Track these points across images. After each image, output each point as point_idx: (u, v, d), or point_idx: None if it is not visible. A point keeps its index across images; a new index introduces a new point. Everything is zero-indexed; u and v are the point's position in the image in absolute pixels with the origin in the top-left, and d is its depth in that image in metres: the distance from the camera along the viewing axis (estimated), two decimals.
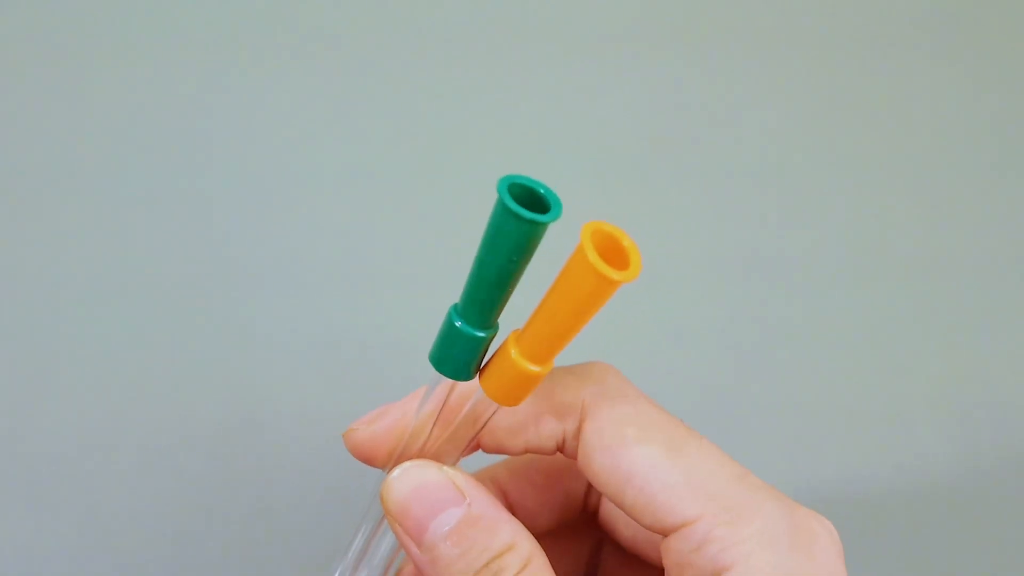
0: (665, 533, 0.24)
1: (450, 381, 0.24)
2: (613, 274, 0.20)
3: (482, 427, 0.26)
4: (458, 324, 0.23)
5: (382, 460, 0.27)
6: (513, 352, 0.23)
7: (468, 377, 0.24)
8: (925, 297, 0.49)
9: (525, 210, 0.20)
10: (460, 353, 0.23)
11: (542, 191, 0.21)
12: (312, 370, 0.43)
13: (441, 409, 0.26)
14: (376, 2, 0.47)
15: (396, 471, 0.25)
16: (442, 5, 0.47)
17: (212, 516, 0.41)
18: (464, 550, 0.24)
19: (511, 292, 0.23)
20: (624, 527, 0.30)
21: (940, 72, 0.52)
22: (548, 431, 0.26)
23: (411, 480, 0.25)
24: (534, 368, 0.23)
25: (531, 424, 0.26)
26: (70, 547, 0.40)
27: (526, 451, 0.27)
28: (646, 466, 0.24)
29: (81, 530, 0.41)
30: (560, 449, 0.26)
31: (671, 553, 0.24)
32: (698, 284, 0.47)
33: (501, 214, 0.21)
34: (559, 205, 0.21)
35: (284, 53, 0.46)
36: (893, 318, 0.49)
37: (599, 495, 0.30)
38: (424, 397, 0.26)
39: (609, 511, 0.30)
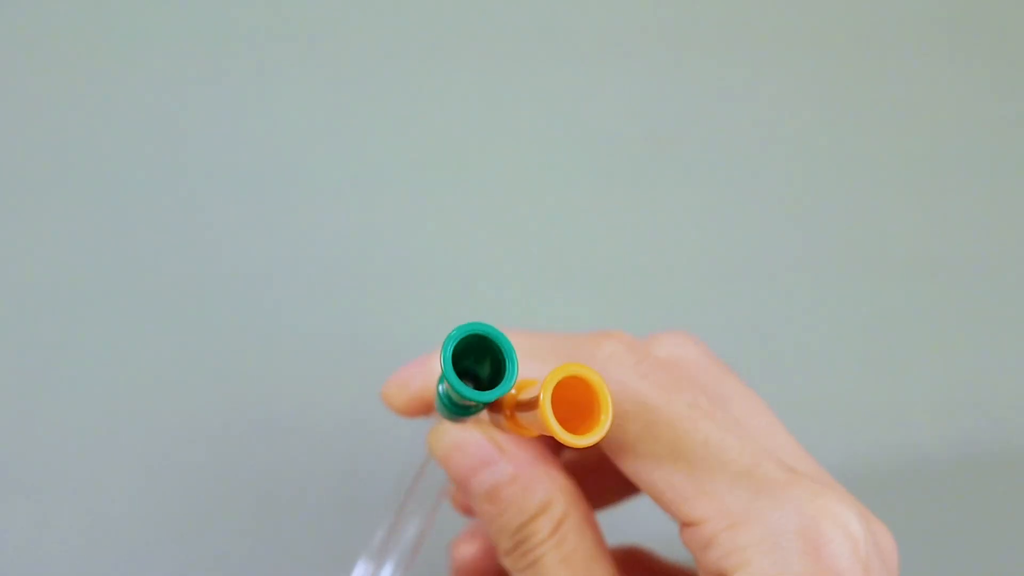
0: (683, 522, 0.24)
1: None
2: (574, 440, 0.19)
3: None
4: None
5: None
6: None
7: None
8: (924, 296, 0.49)
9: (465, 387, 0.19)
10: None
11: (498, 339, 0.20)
12: (317, 368, 0.44)
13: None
14: (377, 2, 0.47)
15: (433, 430, 0.26)
16: (443, 5, 0.48)
17: (215, 516, 0.42)
18: (501, 510, 0.25)
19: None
20: None
21: (940, 72, 0.52)
22: None
23: (451, 437, 0.26)
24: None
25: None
26: (70, 547, 0.41)
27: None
28: (654, 460, 0.24)
29: (81, 530, 0.41)
30: None
31: (687, 544, 0.24)
32: (697, 283, 0.48)
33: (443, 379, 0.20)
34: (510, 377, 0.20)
35: (287, 53, 0.46)
36: (893, 317, 0.49)
37: None
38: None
39: None
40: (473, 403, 0.21)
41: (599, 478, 0.29)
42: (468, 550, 0.31)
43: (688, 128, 0.49)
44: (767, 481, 0.23)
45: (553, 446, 0.27)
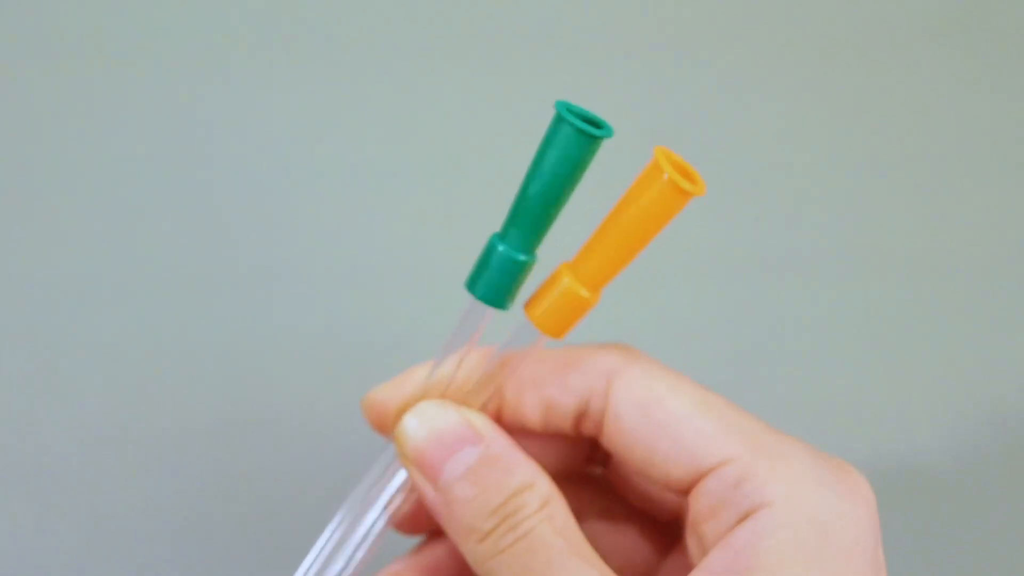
0: (699, 478, 0.24)
1: (482, 320, 0.24)
2: (687, 185, 0.21)
3: (508, 374, 0.25)
4: (501, 248, 0.23)
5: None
6: (567, 277, 0.23)
7: (505, 305, 0.24)
8: (925, 296, 0.49)
9: (586, 124, 0.21)
10: (501, 278, 0.23)
11: (593, 116, 0.22)
12: (315, 368, 0.43)
13: (467, 352, 0.25)
14: (378, 4, 0.47)
15: (411, 411, 0.25)
16: (444, 6, 0.48)
17: (214, 515, 0.41)
18: (481, 489, 0.24)
19: (555, 218, 0.23)
20: (636, 483, 0.29)
21: (940, 72, 0.52)
22: (573, 385, 0.26)
23: (427, 419, 0.25)
24: (585, 293, 0.23)
25: (556, 377, 0.26)
26: (70, 547, 0.40)
27: (545, 417, 0.26)
28: (680, 415, 0.24)
29: (81, 530, 0.40)
30: (580, 417, 0.26)
31: (705, 496, 0.24)
32: (696, 282, 0.48)
33: (562, 131, 0.21)
34: (610, 127, 0.22)
35: (290, 54, 0.46)
36: (893, 317, 0.49)
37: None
38: (450, 340, 0.25)
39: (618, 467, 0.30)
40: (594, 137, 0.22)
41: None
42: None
43: (688, 128, 0.49)
44: (791, 437, 0.24)
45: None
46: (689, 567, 0.24)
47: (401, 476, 0.27)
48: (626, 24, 0.50)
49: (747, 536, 0.22)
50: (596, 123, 0.22)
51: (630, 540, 0.29)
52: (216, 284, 0.43)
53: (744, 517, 0.23)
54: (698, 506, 0.24)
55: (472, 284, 0.23)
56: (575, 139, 0.21)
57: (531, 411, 0.26)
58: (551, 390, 0.26)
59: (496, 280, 0.23)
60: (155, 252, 0.44)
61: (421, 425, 0.25)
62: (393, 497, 0.27)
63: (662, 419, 0.24)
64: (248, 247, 0.44)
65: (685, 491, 0.25)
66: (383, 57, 0.47)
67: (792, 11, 0.51)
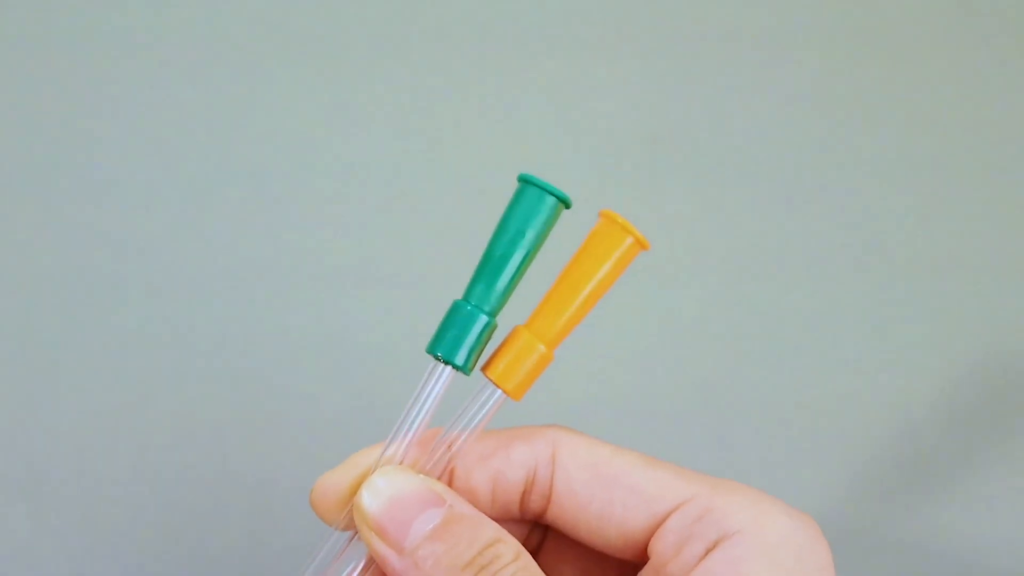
0: (659, 522, 0.25)
1: (441, 383, 0.25)
2: (639, 235, 0.23)
3: (461, 447, 0.25)
4: (468, 307, 0.24)
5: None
6: (525, 334, 0.24)
7: (468, 368, 0.24)
8: (924, 295, 0.50)
9: (554, 187, 0.23)
10: (465, 338, 0.24)
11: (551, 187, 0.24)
12: (317, 368, 0.44)
13: (424, 425, 0.25)
14: (379, 5, 0.48)
15: (372, 476, 0.25)
16: (445, 7, 0.49)
17: (212, 516, 0.41)
18: (451, 545, 0.23)
19: (518, 281, 0.24)
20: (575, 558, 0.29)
21: (940, 72, 0.53)
22: (519, 456, 0.26)
23: (389, 484, 0.24)
24: (543, 349, 0.24)
25: (502, 450, 0.26)
26: (70, 547, 0.40)
27: (493, 493, 0.27)
28: (630, 469, 0.25)
29: (81, 530, 0.40)
30: (526, 492, 0.27)
31: (667, 536, 0.24)
32: (695, 282, 0.48)
33: (529, 195, 0.23)
34: (567, 196, 0.24)
35: (290, 55, 0.47)
36: (892, 316, 0.50)
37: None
38: (408, 411, 0.25)
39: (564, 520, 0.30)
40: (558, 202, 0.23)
41: None
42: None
43: (688, 128, 0.50)
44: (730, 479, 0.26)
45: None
46: None
47: (351, 562, 0.26)
48: (626, 24, 0.50)
49: (724, 562, 0.23)
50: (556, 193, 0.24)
51: None
52: (214, 287, 0.44)
53: (713, 547, 0.24)
54: (660, 548, 0.25)
55: (435, 345, 0.24)
56: (540, 200, 0.23)
57: (480, 486, 0.27)
58: (498, 463, 0.26)
59: (461, 339, 0.24)
60: (152, 254, 0.44)
61: (383, 488, 0.24)
62: None
63: (614, 473, 0.25)
64: (246, 249, 0.45)
65: (642, 541, 0.25)
66: (382, 57, 0.47)
67: (792, 11, 0.51)
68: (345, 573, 0.26)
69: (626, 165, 0.50)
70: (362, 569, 0.26)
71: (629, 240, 0.23)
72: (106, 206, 0.45)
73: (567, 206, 0.24)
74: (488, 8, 0.49)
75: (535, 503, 0.27)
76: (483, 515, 0.25)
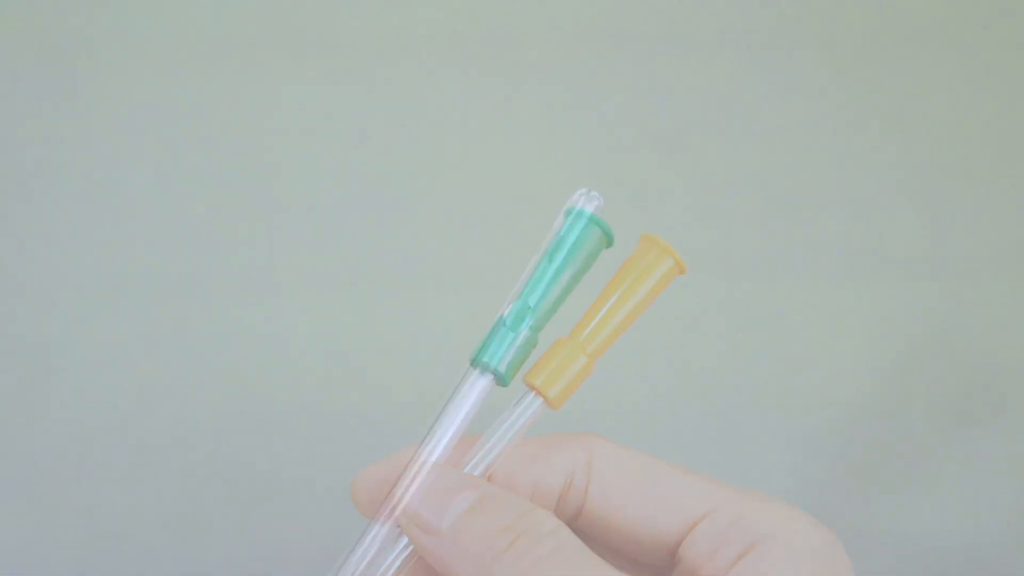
0: (691, 526, 0.25)
1: (474, 399, 0.26)
2: (680, 259, 0.24)
3: (501, 454, 0.26)
4: (513, 320, 0.25)
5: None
6: (570, 344, 0.25)
7: (508, 378, 0.25)
8: (924, 295, 0.50)
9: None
10: (509, 352, 0.25)
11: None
12: (317, 368, 0.44)
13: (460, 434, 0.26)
14: (379, 6, 0.48)
15: (409, 470, 0.25)
16: (445, 8, 0.49)
17: (213, 516, 0.41)
18: (491, 515, 0.24)
19: (561, 303, 0.26)
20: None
21: (940, 72, 0.52)
22: (560, 462, 0.27)
23: (426, 475, 0.25)
24: (585, 359, 0.25)
25: (542, 455, 0.27)
26: (70, 547, 0.40)
27: (533, 497, 0.27)
28: (664, 475, 0.26)
29: (81, 530, 0.40)
30: (562, 497, 0.27)
31: (699, 541, 0.25)
32: (697, 283, 0.48)
33: (593, 236, 0.25)
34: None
35: (290, 57, 0.47)
36: (892, 316, 0.50)
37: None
38: (443, 416, 0.26)
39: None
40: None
41: None
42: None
43: (688, 128, 0.50)
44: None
45: None
46: None
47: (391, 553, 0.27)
48: (626, 24, 0.50)
49: (759, 566, 0.24)
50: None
51: None
52: (216, 287, 0.44)
53: (747, 551, 0.24)
54: (692, 553, 0.25)
55: (481, 353, 0.25)
56: (600, 242, 0.26)
57: (522, 489, 0.27)
58: (541, 467, 0.27)
59: (506, 355, 0.25)
60: (152, 254, 0.44)
61: (421, 479, 0.25)
62: None
63: (649, 478, 0.26)
64: (246, 249, 0.45)
65: (673, 546, 0.26)
66: (384, 58, 0.47)
67: (793, 11, 0.51)
68: (386, 564, 0.26)
69: (626, 165, 0.50)
70: (404, 559, 0.26)
71: (670, 262, 0.25)
72: (106, 206, 0.45)
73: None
74: (488, 8, 0.49)
75: (568, 509, 0.28)
76: (519, 495, 0.25)
